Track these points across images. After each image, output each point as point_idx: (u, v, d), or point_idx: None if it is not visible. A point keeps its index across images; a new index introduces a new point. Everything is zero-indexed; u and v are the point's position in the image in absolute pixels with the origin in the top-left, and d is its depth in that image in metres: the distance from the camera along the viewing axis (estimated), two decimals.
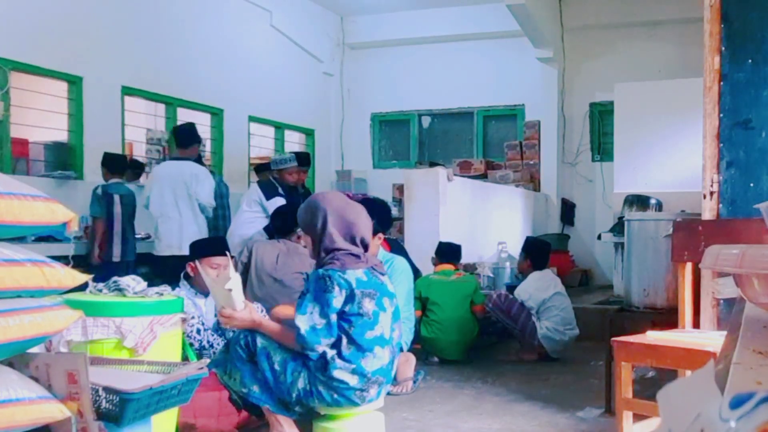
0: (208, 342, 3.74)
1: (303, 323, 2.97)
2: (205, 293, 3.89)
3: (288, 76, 10.35)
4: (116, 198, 6.16)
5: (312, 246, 3.18)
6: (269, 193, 6.50)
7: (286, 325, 3.11)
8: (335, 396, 3.02)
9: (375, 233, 4.48)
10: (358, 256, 3.12)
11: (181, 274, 3.99)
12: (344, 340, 3.03)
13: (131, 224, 6.27)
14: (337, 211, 3.15)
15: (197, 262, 3.78)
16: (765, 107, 3.40)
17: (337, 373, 3.00)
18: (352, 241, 3.14)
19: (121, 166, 6.51)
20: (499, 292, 5.74)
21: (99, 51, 7.39)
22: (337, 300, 3.00)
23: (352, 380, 3.03)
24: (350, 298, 3.03)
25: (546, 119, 10.33)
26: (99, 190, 6.18)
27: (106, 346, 2.80)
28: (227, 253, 3.89)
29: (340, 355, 3.02)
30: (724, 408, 0.76)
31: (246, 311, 3.14)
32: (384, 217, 4.61)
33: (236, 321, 3.12)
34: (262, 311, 3.75)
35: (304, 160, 7.07)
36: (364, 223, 3.24)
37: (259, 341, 3.07)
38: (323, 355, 3.00)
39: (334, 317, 3.00)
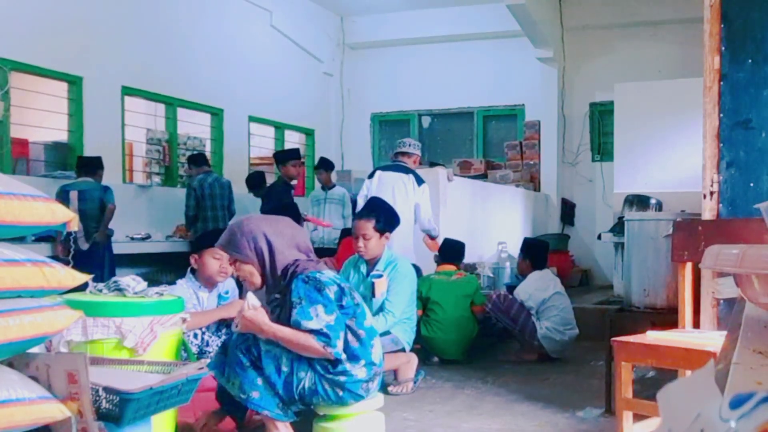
0: (206, 342, 3.74)
1: (316, 325, 2.95)
2: (209, 287, 3.93)
3: (288, 76, 10.36)
4: (72, 195, 6.28)
5: (260, 271, 3.11)
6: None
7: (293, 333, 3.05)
8: (341, 393, 3.03)
9: (382, 233, 4.48)
10: (316, 261, 3.18)
11: (188, 268, 4.02)
12: (349, 335, 3.05)
13: (93, 217, 6.36)
14: (272, 228, 3.15)
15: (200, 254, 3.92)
16: (765, 107, 3.40)
17: (345, 369, 3.02)
18: (299, 251, 3.16)
19: (92, 166, 6.58)
20: (499, 293, 5.74)
21: (99, 51, 7.40)
22: (332, 297, 3.03)
23: (361, 372, 3.05)
24: (341, 291, 3.07)
25: (546, 119, 10.33)
26: (58, 188, 6.32)
27: (106, 346, 2.79)
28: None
29: (347, 351, 3.03)
30: (724, 408, 0.76)
31: (260, 313, 3.06)
32: (390, 216, 4.59)
33: (247, 321, 3.01)
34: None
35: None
36: (300, 231, 3.30)
37: (263, 345, 3.02)
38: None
39: (337, 312, 3.02)
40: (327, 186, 8.20)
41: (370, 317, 3.22)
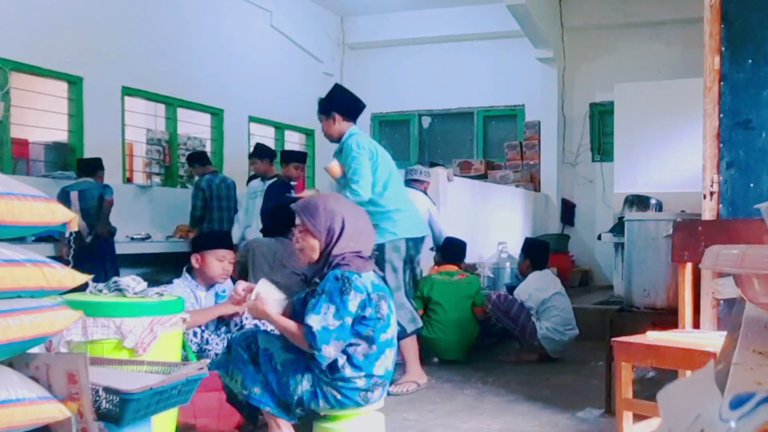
0: (205, 340, 3.74)
1: (316, 322, 2.93)
2: (207, 286, 3.93)
3: (288, 76, 10.35)
4: (73, 195, 6.29)
5: (319, 248, 3.11)
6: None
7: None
8: (339, 398, 3.02)
9: (327, 115, 4.80)
10: (366, 259, 3.14)
11: (184, 267, 4.01)
12: (363, 345, 3.02)
13: (94, 215, 6.36)
14: (350, 215, 3.16)
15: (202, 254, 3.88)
16: (765, 107, 3.40)
17: (345, 375, 3.01)
18: (360, 246, 3.15)
19: (92, 167, 6.59)
20: (499, 293, 5.74)
21: (99, 51, 7.40)
22: (353, 303, 2.97)
23: (360, 381, 3.04)
24: (368, 302, 3.02)
25: (546, 119, 10.33)
26: (59, 190, 6.32)
27: (106, 346, 2.79)
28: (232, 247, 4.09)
29: (350, 361, 3.01)
30: (724, 408, 0.76)
31: (259, 303, 3.10)
32: (331, 99, 4.90)
33: (252, 309, 3.10)
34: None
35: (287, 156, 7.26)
36: (371, 230, 3.28)
37: (261, 342, 3.04)
38: (334, 360, 2.98)
39: (348, 320, 2.97)
40: (267, 176, 7.20)
41: (392, 329, 3.16)
